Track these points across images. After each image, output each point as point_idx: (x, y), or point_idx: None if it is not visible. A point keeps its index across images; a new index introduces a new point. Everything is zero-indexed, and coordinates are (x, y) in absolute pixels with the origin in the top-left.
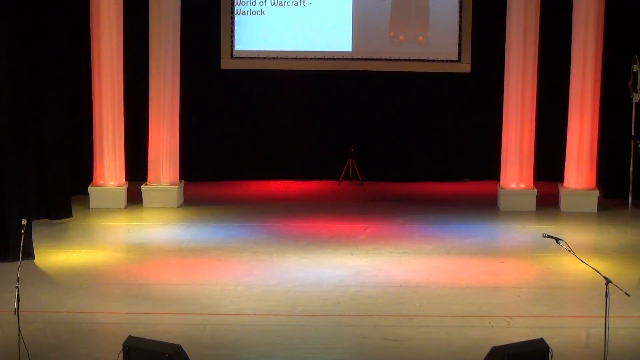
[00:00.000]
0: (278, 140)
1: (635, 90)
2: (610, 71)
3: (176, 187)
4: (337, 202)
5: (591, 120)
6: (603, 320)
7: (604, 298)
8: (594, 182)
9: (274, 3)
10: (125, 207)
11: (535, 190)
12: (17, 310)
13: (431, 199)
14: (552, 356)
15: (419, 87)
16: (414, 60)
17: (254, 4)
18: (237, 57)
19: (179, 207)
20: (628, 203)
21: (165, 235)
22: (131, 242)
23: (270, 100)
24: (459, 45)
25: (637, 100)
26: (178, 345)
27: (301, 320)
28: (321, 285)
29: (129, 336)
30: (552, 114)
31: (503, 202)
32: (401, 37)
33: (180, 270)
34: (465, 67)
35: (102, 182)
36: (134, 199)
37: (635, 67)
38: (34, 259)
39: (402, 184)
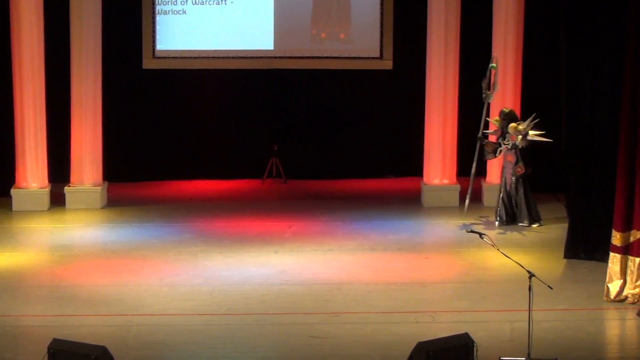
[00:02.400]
0: (201, 140)
1: (489, 89)
2: (532, 65)
3: (99, 188)
4: (261, 201)
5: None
6: (527, 313)
7: (528, 292)
8: None
9: (196, 2)
10: (49, 209)
11: (459, 186)
12: None
13: (355, 195)
14: (476, 350)
15: (342, 84)
16: (336, 57)
17: (175, 3)
18: (159, 57)
19: (103, 208)
20: (556, 198)
21: (89, 236)
22: (55, 244)
23: (193, 100)
24: (381, 42)
25: (490, 101)
26: (103, 347)
27: (226, 320)
28: (246, 284)
29: (54, 339)
30: (474, 110)
31: (426, 198)
32: (323, 35)
33: (104, 272)
34: (387, 64)
35: (24, 184)
36: (58, 200)
37: (493, 66)
38: None
39: (326, 182)
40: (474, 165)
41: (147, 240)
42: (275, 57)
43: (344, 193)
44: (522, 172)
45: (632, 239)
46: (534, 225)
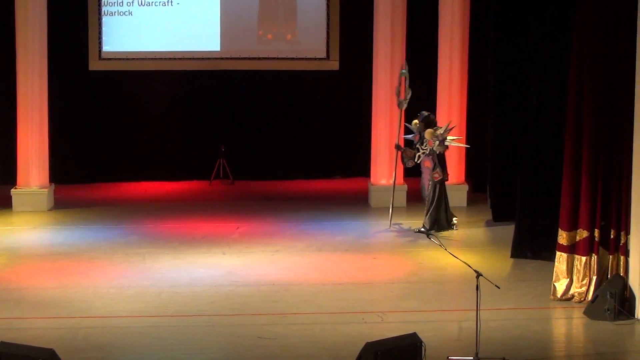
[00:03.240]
0: (149, 141)
1: (402, 96)
2: (477, 66)
3: (46, 190)
4: (208, 202)
5: (459, 115)
6: (474, 313)
7: (475, 291)
8: (463, 177)
9: (142, 3)
10: None
11: (406, 186)
12: None
13: (302, 196)
14: (425, 350)
15: (288, 85)
16: (283, 58)
17: (121, 4)
18: (105, 59)
19: (50, 210)
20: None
21: (36, 239)
22: (1, 246)
23: (140, 101)
24: (327, 43)
25: (403, 108)
26: (51, 349)
27: (175, 321)
28: (194, 286)
29: (1, 342)
30: (422, 110)
31: (374, 198)
32: (269, 36)
33: (52, 274)
34: (334, 65)
35: None
36: (4, 203)
37: (404, 72)
38: None
39: (274, 182)
40: (394, 174)
41: (95, 242)
42: (222, 59)
43: (292, 194)
44: (440, 177)
45: (578, 238)
46: (444, 232)
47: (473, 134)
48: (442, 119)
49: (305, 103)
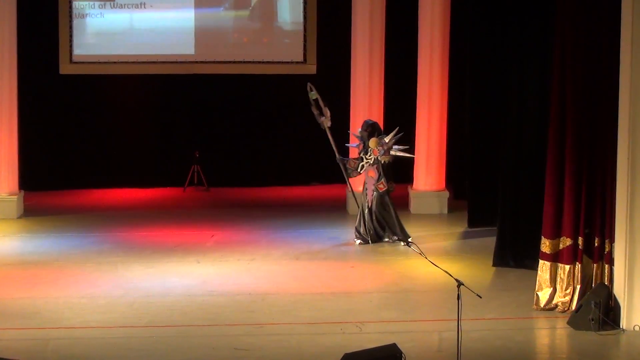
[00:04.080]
0: (121, 147)
1: (323, 115)
2: (457, 71)
3: (15, 197)
4: (182, 209)
5: (439, 121)
6: (456, 323)
7: (456, 301)
8: (443, 184)
9: (114, 6)
10: None
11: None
12: None
13: (279, 204)
14: None
15: (265, 89)
16: (259, 62)
17: (93, 7)
18: (76, 62)
19: (19, 217)
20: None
21: (5, 247)
22: None
23: (113, 106)
24: (304, 46)
25: (328, 125)
26: None
27: (148, 332)
28: (168, 295)
29: None
30: (401, 115)
31: (352, 206)
32: (245, 39)
33: (21, 284)
34: (311, 69)
35: None
36: None
37: (312, 95)
38: None
39: (250, 189)
40: (348, 185)
41: (66, 250)
42: (197, 62)
43: (268, 201)
44: (384, 188)
45: (561, 246)
46: (402, 243)
47: (455, 138)
48: (421, 124)
49: (282, 108)
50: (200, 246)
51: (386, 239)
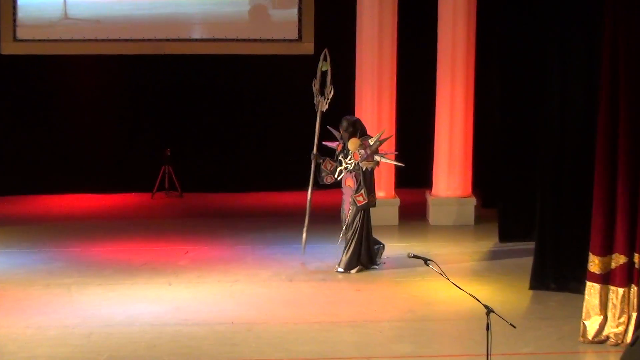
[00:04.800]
0: (76, 144)
1: (323, 95)
2: (485, 58)
3: None
4: (150, 220)
5: (464, 114)
6: (484, 359)
7: (485, 332)
8: (469, 189)
9: None
10: None
11: (398, 200)
12: None
13: (268, 213)
14: None
15: (251, 74)
16: (244, 40)
17: None
18: (21, 40)
19: None
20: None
21: None
22: None
23: (64, 94)
24: (299, 21)
25: (323, 109)
26: None
27: None
28: (132, 325)
29: None
30: (416, 109)
31: None
32: (226, 12)
33: None
34: (308, 48)
35: None
36: None
37: (324, 65)
38: None
39: (232, 195)
40: (309, 191)
41: (8, 270)
42: (167, 40)
43: (255, 210)
44: (364, 202)
45: (613, 265)
46: (375, 267)
47: (483, 133)
48: (442, 118)
49: (272, 96)
50: (172, 265)
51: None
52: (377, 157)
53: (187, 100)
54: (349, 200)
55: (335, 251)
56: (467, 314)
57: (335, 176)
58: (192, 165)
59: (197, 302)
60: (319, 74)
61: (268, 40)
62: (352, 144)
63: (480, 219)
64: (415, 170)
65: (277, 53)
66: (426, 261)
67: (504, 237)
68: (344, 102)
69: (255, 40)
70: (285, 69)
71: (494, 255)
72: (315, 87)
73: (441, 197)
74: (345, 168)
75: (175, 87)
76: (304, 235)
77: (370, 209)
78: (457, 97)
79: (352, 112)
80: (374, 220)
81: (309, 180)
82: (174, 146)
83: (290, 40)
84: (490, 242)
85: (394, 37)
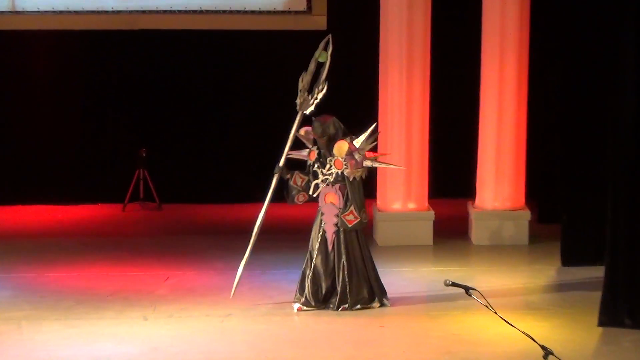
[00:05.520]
0: (25, 142)
1: (311, 93)
2: (541, 42)
3: None
4: (121, 237)
5: (515, 111)
6: None
7: None
8: (522, 200)
9: None
10: None
11: (432, 213)
12: None
13: (268, 229)
14: None
15: (248, 55)
16: (238, 12)
17: None
18: None
19: None
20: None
21: None
22: None
23: (11, 79)
24: None
25: (307, 110)
26: None
27: None
28: None
29: None
30: (455, 100)
31: (381, 233)
32: None
33: None
34: (319, 22)
35: None
36: None
37: (322, 56)
38: None
39: (222, 207)
40: (263, 209)
41: None
42: (143, 12)
43: (249, 225)
44: (356, 221)
45: None
46: (375, 305)
47: (539, 134)
48: (488, 112)
49: (273, 81)
50: (148, 294)
51: (344, 305)
52: (367, 162)
53: (167, 89)
54: (333, 222)
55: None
56: (520, 356)
57: (310, 193)
58: (173, 170)
59: (179, 340)
60: (312, 65)
61: (269, 12)
62: (339, 148)
63: (535, 237)
64: (454, 176)
65: (280, 28)
66: (468, 290)
67: (567, 260)
68: (363, 93)
69: (252, 12)
70: (290, 49)
71: (553, 283)
72: (303, 81)
73: (487, 209)
74: (324, 181)
75: (151, 71)
76: (240, 272)
77: (397, 223)
78: (507, 86)
79: (373, 107)
80: (402, 238)
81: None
82: (151, 146)
83: (297, 12)
84: (548, 266)
85: (428, 10)
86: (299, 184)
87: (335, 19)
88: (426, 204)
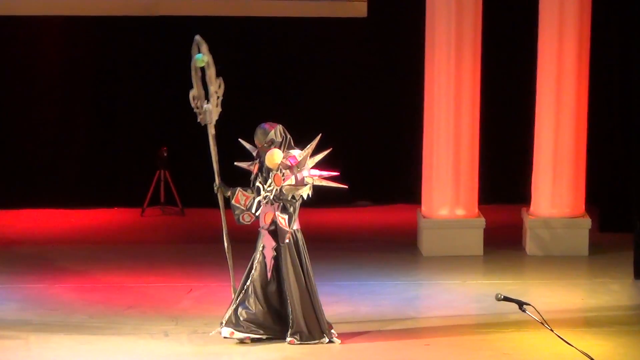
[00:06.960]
0: (36, 141)
1: (208, 100)
2: (603, 26)
3: None
4: (139, 245)
5: (575, 108)
6: None
7: None
8: (582, 206)
9: None
10: None
11: (483, 221)
12: None
13: (304, 235)
14: None
15: (280, 44)
16: None
17: None
18: None
19: None
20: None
21: None
22: None
23: (19, 73)
24: None
25: (213, 120)
26: None
27: None
28: None
29: None
30: (508, 95)
31: (427, 241)
32: None
33: None
34: (359, 9)
35: None
36: None
37: (199, 61)
38: None
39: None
40: (224, 234)
41: None
42: None
43: None
44: (287, 232)
45: None
46: (323, 340)
47: (599, 137)
48: (545, 113)
49: (309, 72)
50: (169, 307)
51: (289, 338)
52: (307, 179)
53: (190, 81)
54: (272, 245)
55: (395, 288)
56: None
57: (254, 211)
58: (197, 171)
59: (204, 358)
60: (195, 77)
61: None
62: (271, 158)
63: (596, 247)
64: (506, 180)
65: (317, 15)
66: (521, 305)
67: None
68: (407, 87)
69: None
70: (328, 38)
71: (617, 299)
72: (194, 99)
73: (543, 217)
74: (265, 197)
75: (172, 62)
76: (233, 281)
77: (443, 231)
78: (566, 81)
79: (418, 103)
80: (447, 247)
81: (361, 193)
82: (172, 144)
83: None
84: (611, 280)
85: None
86: (242, 202)
87: (376, 5)
88: (476, 210)
